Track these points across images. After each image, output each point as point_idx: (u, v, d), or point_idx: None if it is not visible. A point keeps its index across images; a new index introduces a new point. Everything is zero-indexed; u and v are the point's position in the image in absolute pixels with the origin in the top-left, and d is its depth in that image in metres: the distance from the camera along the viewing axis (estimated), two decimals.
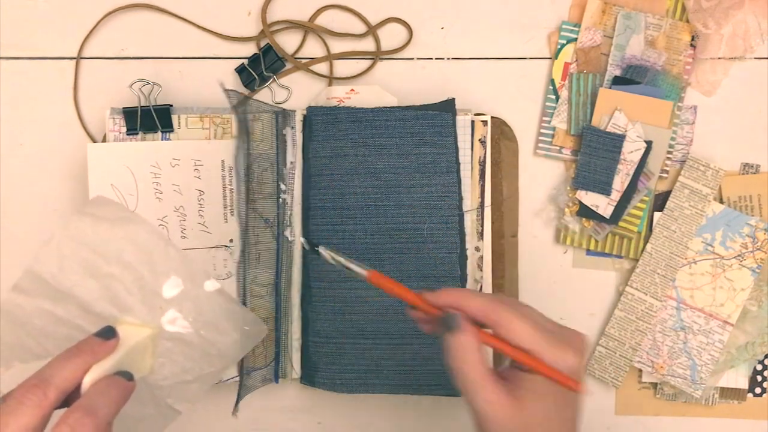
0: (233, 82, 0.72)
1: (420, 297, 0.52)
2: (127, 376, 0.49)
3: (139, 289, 0.53)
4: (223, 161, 0.69)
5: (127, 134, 0.70)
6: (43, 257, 0.53)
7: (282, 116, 0.70)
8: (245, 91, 0.72)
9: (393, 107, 0.69)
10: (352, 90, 0.70)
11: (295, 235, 0.70)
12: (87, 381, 0.48)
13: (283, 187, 0.70)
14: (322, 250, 0.54)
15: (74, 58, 0.72)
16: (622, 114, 0.69)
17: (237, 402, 0.67)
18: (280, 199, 0.70)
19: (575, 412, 0.49)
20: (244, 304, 0.67)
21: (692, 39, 0.70)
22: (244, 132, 0.67)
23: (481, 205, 0.69)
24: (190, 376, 0.55)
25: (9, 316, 0.52)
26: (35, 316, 0.52)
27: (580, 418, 0.50)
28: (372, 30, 0.72)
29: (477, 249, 0.69)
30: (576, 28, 0.70)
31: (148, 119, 0.69)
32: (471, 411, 0.49)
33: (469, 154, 0.69)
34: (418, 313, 0.53)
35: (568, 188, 0.70)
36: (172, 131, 0.70)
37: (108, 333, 0.51)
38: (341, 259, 0.54)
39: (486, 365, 0.48)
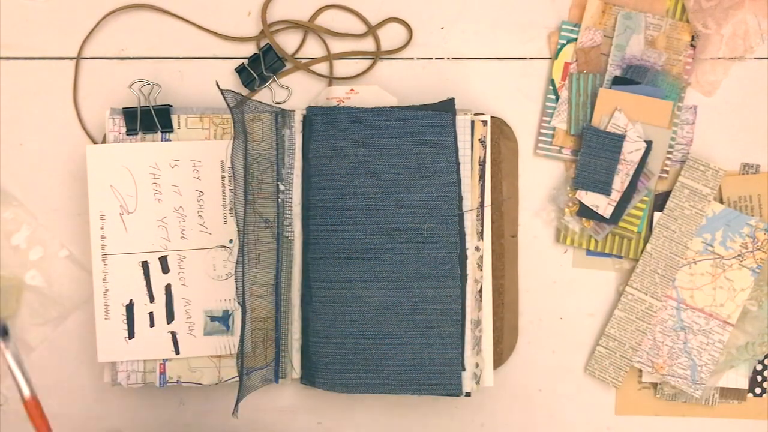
0: (233, 82, 0.72)
1: None
2: None
3: None
4: (222, 162, 0.69)
5: (127, 134, 0.70)
6: None
7: (282, 116, 0.70)
8: (245, 91, 0.72)
9: (393, 107, 0.69)
10: (352, 90, 0.70)
11: (295, 235, 0.70)
12: None
13: (282, 187, 0.70)
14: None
15: (74, 58, 0.72)
16: (622, 114, 0.69)
17: (237, 402, 0.67)
18: (280, 199, 0.70)
19: None
20: (244, 304, 0.67)
21: (692, 39, 0.70)
22: (241, 132, 0.67)
23: (481, 205, 0.69)
24: None
25: None
26: None
27: None
28: (372, 30, 0.72)
29: (477, 249, 0.69)
30: (576, 28, 0.70)
31: (148, 119, 0.69)
32: None
33: (469, 154, 0.69)
34: None
35: (568, 188, 0.70)
36: (172, 131, 0.70)
37: None
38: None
39: None
